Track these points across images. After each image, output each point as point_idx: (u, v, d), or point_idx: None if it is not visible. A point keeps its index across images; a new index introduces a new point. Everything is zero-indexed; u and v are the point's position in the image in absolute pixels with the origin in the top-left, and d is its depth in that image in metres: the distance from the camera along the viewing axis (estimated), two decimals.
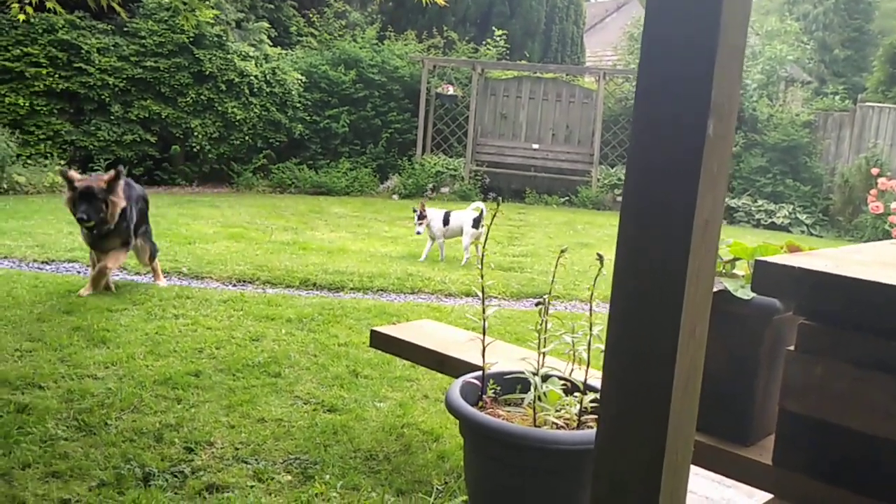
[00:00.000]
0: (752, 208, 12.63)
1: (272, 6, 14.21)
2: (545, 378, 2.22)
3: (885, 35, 21.38)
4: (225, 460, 2.78)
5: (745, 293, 1.74)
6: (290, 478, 2.70)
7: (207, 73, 11.60)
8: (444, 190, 12.53)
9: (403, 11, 15.56)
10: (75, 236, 6.78)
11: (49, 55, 10.58)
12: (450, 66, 13.67)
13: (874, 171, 11.57)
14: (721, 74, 1.09)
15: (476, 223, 6.97)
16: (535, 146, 13.31)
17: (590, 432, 2.05)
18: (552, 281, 2.46)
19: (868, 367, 1.45)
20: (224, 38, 11.85)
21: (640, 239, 1.19)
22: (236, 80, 11.91)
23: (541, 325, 2.20)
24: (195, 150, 11.74)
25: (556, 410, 2.18)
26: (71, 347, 3.83)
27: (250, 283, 5.65)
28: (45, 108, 10.60)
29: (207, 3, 10.90)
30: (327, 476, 2.71)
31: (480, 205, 7.21)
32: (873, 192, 10.81)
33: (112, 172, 4.82)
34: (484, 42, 14.49)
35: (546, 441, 2.03)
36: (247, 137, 12.23)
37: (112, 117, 11.03)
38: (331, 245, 7.46)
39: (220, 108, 11.82)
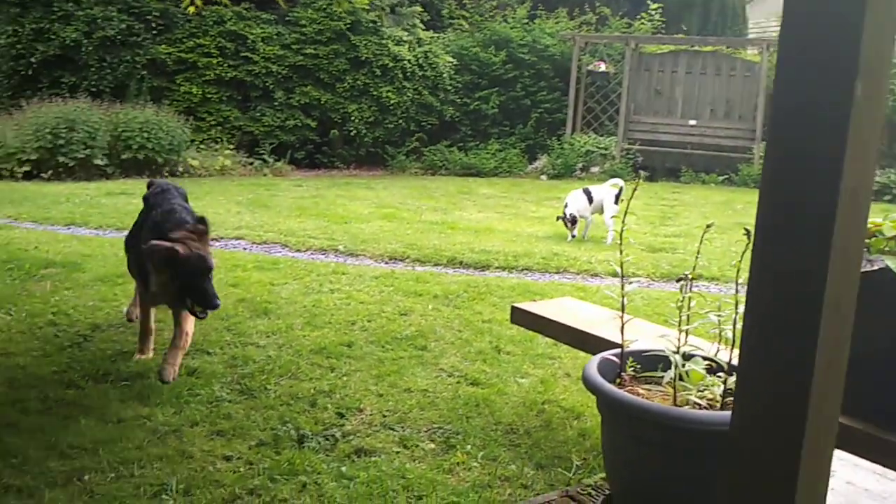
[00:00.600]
0: None
1: None
2: (687, 357, 2.16)
3: None
4: (373, 426, 2.93)
5: None
6: (433, 446, 2.80)
7: (363, 58, 12.05)
8: (595, 170, 12.24)
9: None
10: (242, 216, 7.32)
11: (219, 45, 11.42)
12: (602, 42, 13.35)
13: None
14: (871, 28, 1.01)
15: (617, 199, 6.85)
16: (693, 122, 12.71)
17: None
18: (697, 256, 2.37)
19: None
20: (379, 24, 12.24)
21: (781, 208, 1.14)
22: (390, 64, 12.28)
23: (682, 300, 2.13)
24: (352, 134, 12.26)
25: (699, 390, 2.11)
26: (236, 317, 4.16)
27: (401, 260, 5.86)
28: (215, 96, 11.46)
29: None
30: (469, 446, 2.79)
31: (619, 181, 7.05)
32: None
33: (203, 225, 3.31)
34: (638, 16, 14.00)
35: (686, 420, 1.98)
36: (400, 121, 12.61)
37: (275, 103, 11.74)
38: (478, 225, 7.56)
39: (374, 93, 12.25)
